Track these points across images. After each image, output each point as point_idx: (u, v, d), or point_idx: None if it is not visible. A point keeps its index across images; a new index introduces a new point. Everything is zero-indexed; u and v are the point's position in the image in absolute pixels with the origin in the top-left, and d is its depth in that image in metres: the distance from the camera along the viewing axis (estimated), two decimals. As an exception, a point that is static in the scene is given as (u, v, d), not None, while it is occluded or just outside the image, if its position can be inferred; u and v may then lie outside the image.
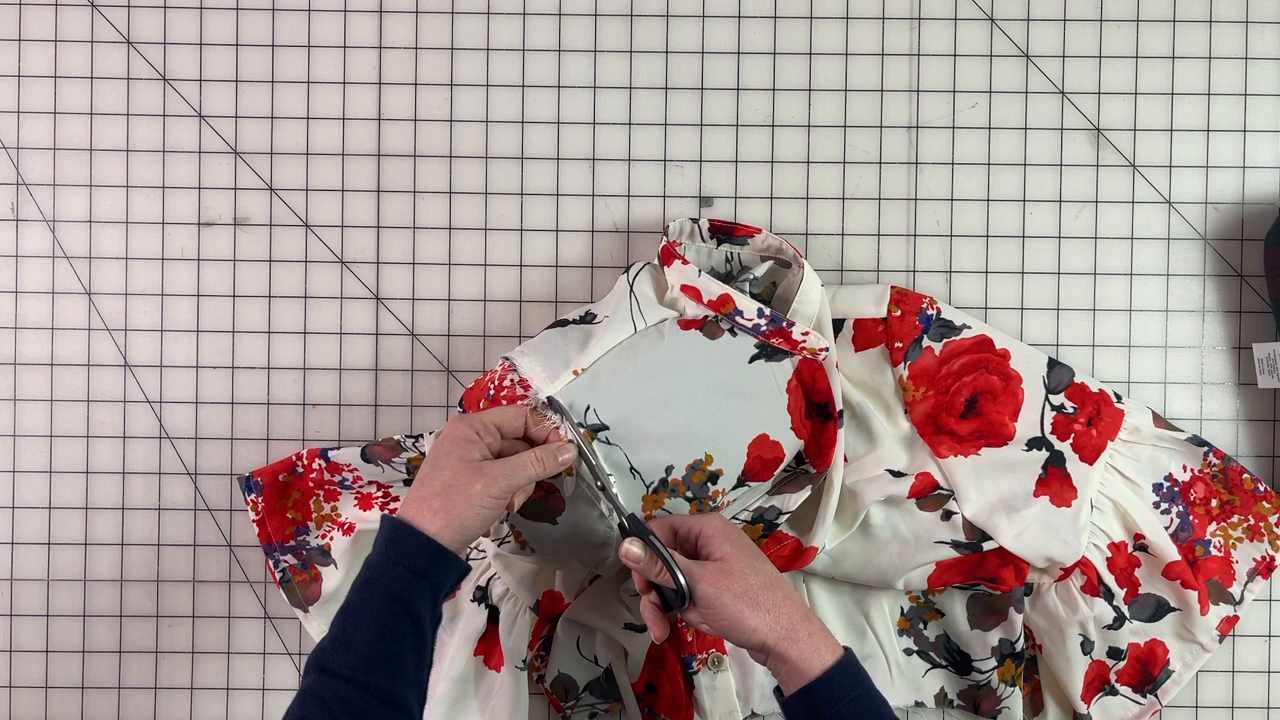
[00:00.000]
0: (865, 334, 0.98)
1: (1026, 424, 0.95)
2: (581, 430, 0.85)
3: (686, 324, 0.90)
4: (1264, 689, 1.01)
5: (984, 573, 0.94)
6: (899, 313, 0.97)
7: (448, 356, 1.01)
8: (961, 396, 0.96)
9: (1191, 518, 0.98)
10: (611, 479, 0.86)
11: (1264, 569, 0.97)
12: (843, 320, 0.98)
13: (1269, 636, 1.01)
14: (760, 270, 0.94)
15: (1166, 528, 0.97)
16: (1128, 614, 0.96)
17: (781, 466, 0.91)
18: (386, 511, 0.98)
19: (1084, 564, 0.95)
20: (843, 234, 1.01)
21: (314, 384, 1.01)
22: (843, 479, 0.93)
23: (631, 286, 0.92)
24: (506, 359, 0.90)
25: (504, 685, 0.95)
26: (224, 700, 1.02)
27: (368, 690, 0.73)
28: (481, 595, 0.96)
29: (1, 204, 1.01)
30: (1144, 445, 0.97)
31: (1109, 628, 0.95)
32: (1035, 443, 0.95)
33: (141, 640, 1.02)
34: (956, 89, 1.01)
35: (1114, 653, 0.96)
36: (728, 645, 0.95)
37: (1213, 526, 0.98)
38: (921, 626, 0.99)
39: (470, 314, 1.01)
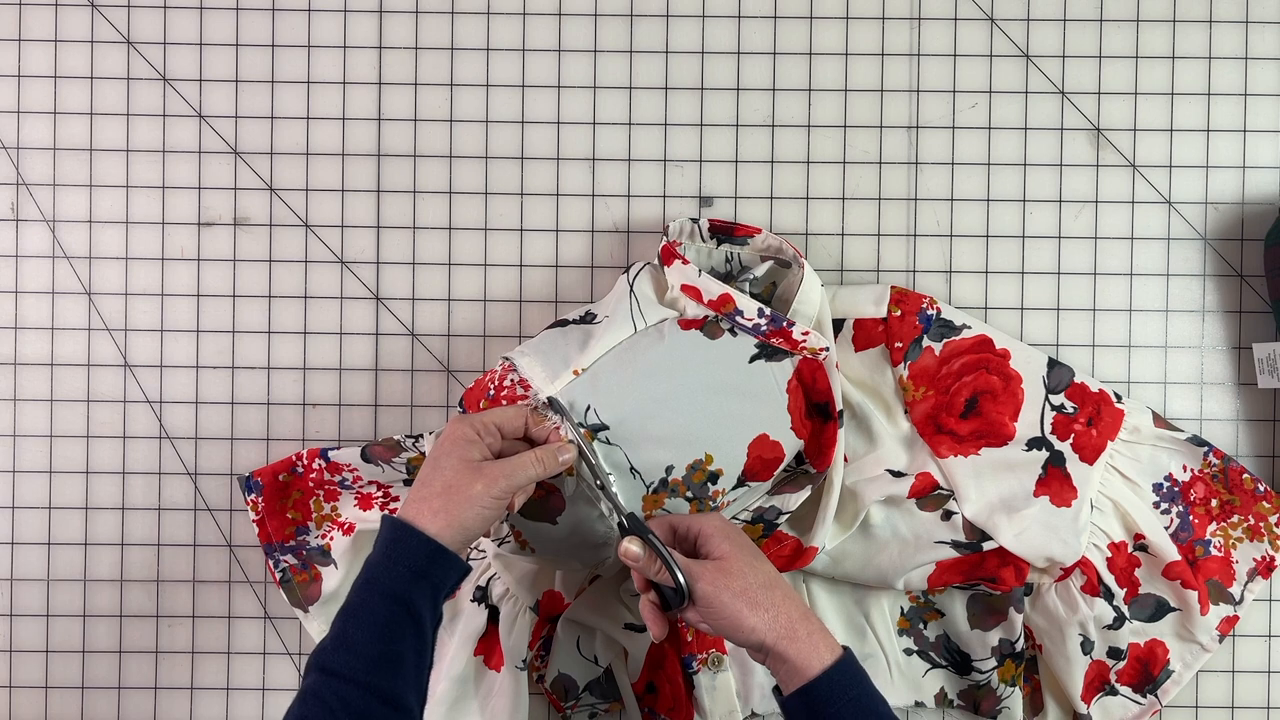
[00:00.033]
0: (865, 334, 0.98)
1: (1026, 424, 0.95)
2: (582, 430, 0.85)
3: (686, 324, 0.90)
4: (1264, 689, 1.01)
5: (984, 573, 0.94)
6: (899, 313, 0.97)
7: (448, 356, 1.01)
8: (961, 396, 0.96)
9: (1191, 518, 0.98)
10: (611, 478, 0.86)
11: (1264, 569, 0.97)
12: (843, 320, 0.98)
13: (1269, 636, 1.01)
14: (760, 270, 0.94)
15: (1166, 528, 0.97)
16: (1128, 614, 0.96)
17: (781, 466, 0.91)
18: (387, 512, 0.98)
19: (1084, 564, 0.95)
20: (843, 234, 1.01)
21: (314, 384, 1.01)
22: (843, 479, 0.93)
23: (631, 286, 0.92)
24: (506, 359, 0.90)
25: (504, 685, 0.95)
26: (224, 700, 1.02)
27: (368, 690, 0.73)
28: (481, 595, 0.96)
29: (1, 204, 1.01)
30: (1144, 445, 0.98)
31: (1109, 628, 0.95)
32: (1035, 443, 0.95)
33: (141, 640, 1.02)
34: (956, 89, 1.01)
35: (1114, 653, 0.96)
36: (728, 645, 0.95)
37: (1213, 526, 0.98)
38: (921, 626, 0.99)
39: (470, 314, 1.01)
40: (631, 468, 0.87)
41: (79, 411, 1.01)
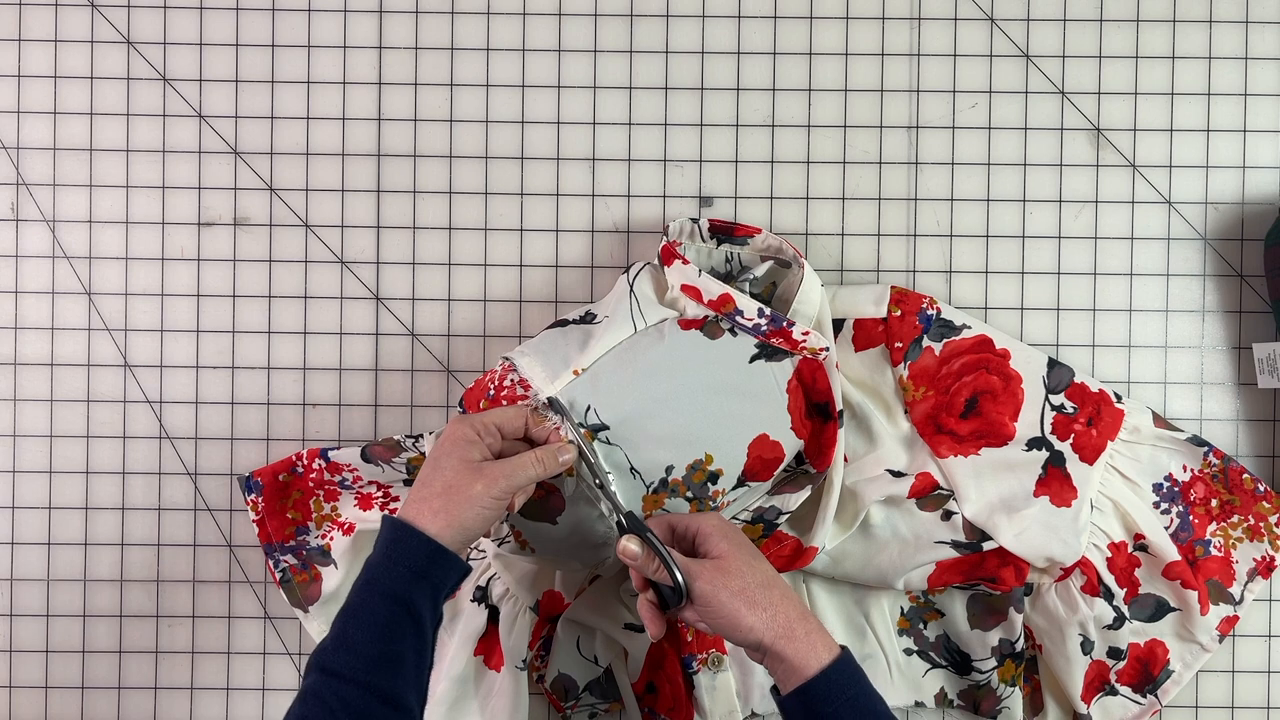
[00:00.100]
0: (865, 334, 0.98)
1: (1026, 424, 0.95)
2: (582, 430, 0.85)
3: (687, 324, 0.90)
4: (1264, 689, 1.01)
5: (984, 573, 0.94)
6: (899, 313, 0.97)
7: (448, 356, 1.01)
8: (961, 396, 0.96)
9: (1191, 518, 0.98)
10: (611, 478, 0.86)
11: (1264, 569, 0.97)
12: (843, 320, 0.98)
13: (1269, 636, 1.01)
14: (760, 270, 0.94)
15: (1166, 528, 0.97)
16: (1128, 614, 0.96)
17: (781, 466, 0.91)
18: (387, 512, 0.98)
19: (1084, 564, 0.95)
20: (843, 234, 1.01)
21: (314, 384, 1.01)
22: (843, 479, 0.93)
23: (631, 286, 0.92)
24: (506, 359, 0.90)
25: (504, 685, 0.95)
26: (224, 700, 1.02)
27: (368, 690, 0.73)
28: (481, 595, 0.96)
29: (1, 204, 1.01)
30: (1144, 445, 0.97)
31: (1109, 628, 0.95)
32: (1035, 443, 0.95)
33: (141, 640, 1.02)
34: (956, 89, 1.01)
35: (1114, 653, 0.96)
36: (727, 645, 0.95)
37: (1213, 526, 0.98)
38: (921, 626, 0.99)
39: (470, 314, 1.01)
40: (631, 468, 0.87)
41: (79, 411, 1.01)
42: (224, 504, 1.02)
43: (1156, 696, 0.97)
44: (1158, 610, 0.97)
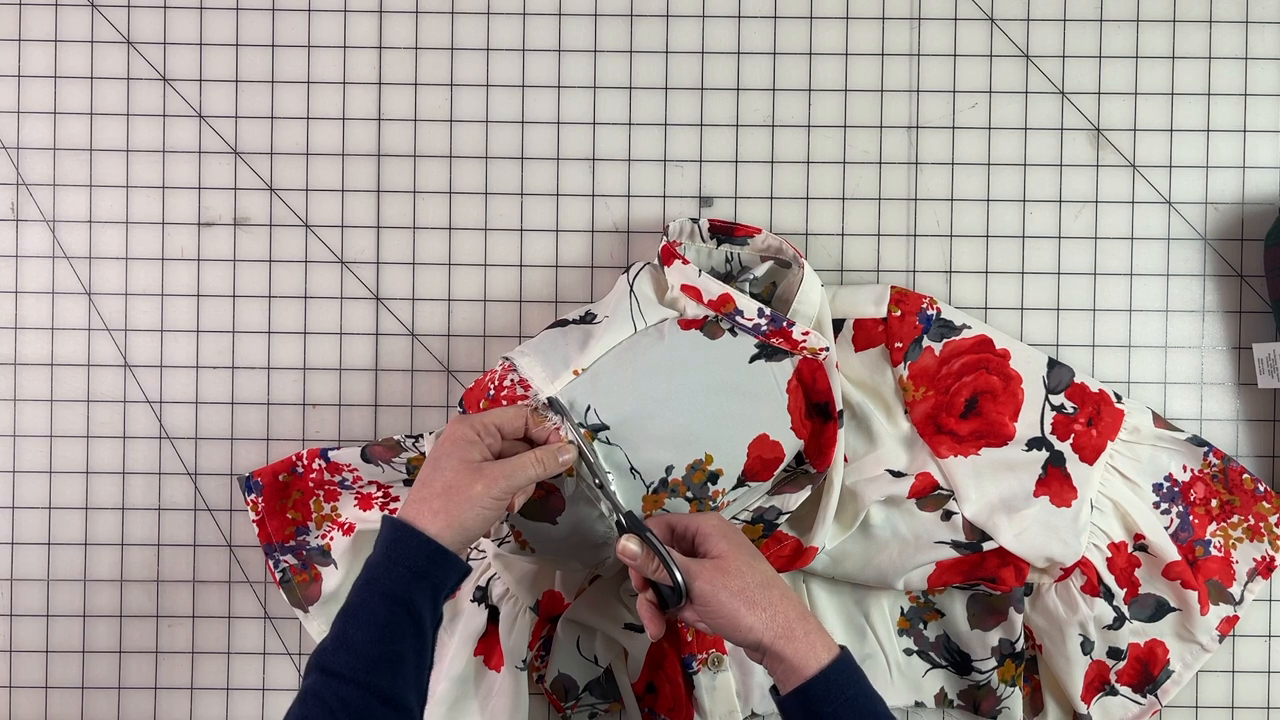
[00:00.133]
0: (865, 334, 0.98)
1: (1026, 424, 0.95)
2: (581, 430, 0.85)
3: (687, 324, 0.90)
4: (1264, 689, 1.01)
5: (984, 573, 0.94)
6: (899, 313, 0.97)
7: (448, 356, 1.01)
8: (961, 396, 0.96)
9: (1191, 518, 0.98)
10: (611, 478, 0.86)
11: (1264, 569, 0.97)
12: (843, 320, 0.98)
13: (1269, 636, 1.01)
14: (760, 270, 0.94)
15: (1166, 528, 0.97)
16: (1128, 614, 0.96)
17: (781, 466, 0.91)
18: (387, 512, 0.98)
19: (1084, 564, 0.95)
20: (843, 234, 1.01)
21: (314, 384, 1.01)
22: (843, 479, 0.93)
23: (631, 286, 0.92)
24: (506, 359, 0.90)
25: (504, 685, 0.95)
26: (224, 700, 1.02)
27: (368, 691, 0.73)
28: (481, 595, 0.96)
29: (1, 204, 1.01)
30: (1144, 445, 0.97)
31: (1109, 628, 0.95)
32: (1035, 443, 0.95)
33: (141, 640, 1.02)
34: (956, 89, 1.01)
35: (1114, 653, 0.96)
36: (727, 645, 0.95)
37: (1213, 526, 0.98)
38: (921, 626, 0.99)
39: (470, 314, 1.01)
40: (631, 468, 0.87)
41: (79, 411, 1.01)
42: (224, 504, 1.02)
43: (1156, 696, 0.97)
44: (1158, 610, 0.97)
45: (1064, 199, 1.01)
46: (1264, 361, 0.96)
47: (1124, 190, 1.01)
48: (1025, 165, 1.01)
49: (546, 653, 0.98)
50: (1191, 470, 0.98)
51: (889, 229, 1.01)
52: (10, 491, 1.01)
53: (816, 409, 0.92)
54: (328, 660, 0.75)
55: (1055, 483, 0.94)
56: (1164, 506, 0.97)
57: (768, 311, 0.90)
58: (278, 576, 0.98)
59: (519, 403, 0.87)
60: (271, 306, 1.01)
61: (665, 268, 0.93)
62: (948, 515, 0.94)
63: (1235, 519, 0.98)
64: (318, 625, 0.98)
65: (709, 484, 0.88)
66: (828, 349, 0.90)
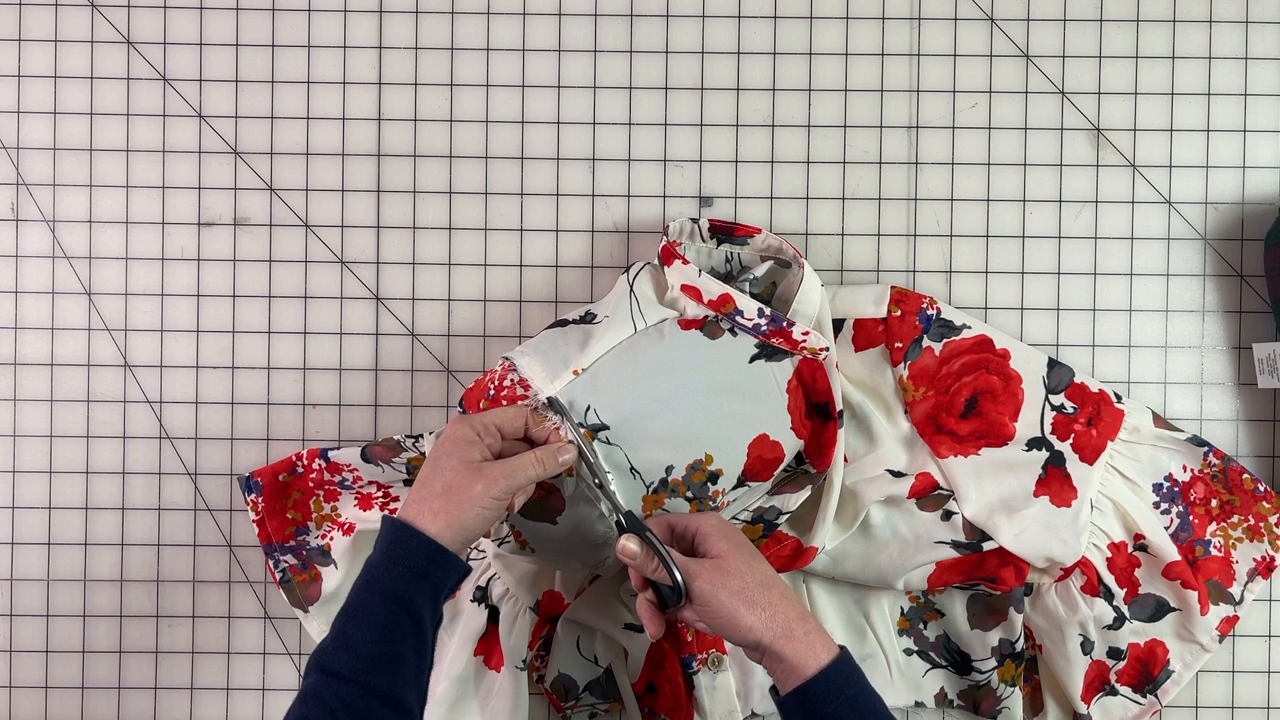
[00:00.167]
0: (865, 334, 0.98)
1: (1026, 424, 0.95)
2: (581, 430, 0.85)
3: (687, 324, 0.90)
4: (1264, 689, 1.01)
5: (984, 573, 0.94)
6: (899, 313, 0.97)
7: (448, 356, 1.01)
8: (961, 396, 0.96)
9: (1191, 518, 0.98)
10: (610, 478, 0.86)
11: (1264, 569, 0.97)
12: (843, 320, 0.98)
13: (1269, 636, 1.01)
14: (760, 270, 0.94)
15: (1166, 528, 0.97)
16: (1128, 614, 0.96)
17: (781, 466, 0.91)
18: (387, 512, 0.98)
19: (1084, 564, 0.95)
20: (843, 234, 1.01)
21: (314, 384, 1.01)
22: (843, 479, 0.93)
23: (631, 286, 0.92)
24: (506, 359, 0.90)
25: (504, 685, 0.95)
26: (224, 700, 1.02)
27: (368, 691, 0.73)
28: (481, 595, 0.96)
29: (1, 204, 1.01)
30: (1144, 445, 0.97)
31: (1109, 628, 0.95)
32: (1035, 443, 0.95)
33: (141, 640, 1.02)
34: (956, 89, 1.01)
35: (1114, 653, 0.96)
36: (728, 645, 0.95)
37: (1213, 526, 0.98)
38: (921, 626, 0.99)
39: (470, 314, 1.01)
40: (631, 468, 0.87)
41: (79, 411, 1.01)
42: (224, 504, 1.02)
43: (1156, 696, 0.97)
44: (1158, 610, 0.97)
45: (1064, 199, 1.01)
46: (1264, 361, 0.96)
47: (1124, 190, 1.01)
48: (1025, 165, 1.01)
49: (546, 653, 0.98)
50: (1191, 470, 0.98)
51: (889, 229, 1.01)
52: (10, 491, 1.01)
53: (816, 409, 0.92)
54: (328, 660, 0.75)
55: (1055, 483, 0.94)
56: (1164, 506, 0.97)
57: (768, 311, 0.90)
58: (278, 576, 0.98)
59: (519, 403, 0.87)
60: (271, 306, 1.01)
61: (665, 268, 0.93)
62: (948, 515, 0.94)
63: (1235, 519, 0.98)
64: (318, 625, 0.98)
65: (709, 484, 0.88)
66: (828, 349, 0.90)
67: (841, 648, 0.79)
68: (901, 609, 0.99)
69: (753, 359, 0.89)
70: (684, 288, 0.92)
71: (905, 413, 0.97)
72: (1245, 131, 1.00)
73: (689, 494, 0.88)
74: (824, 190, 1.01)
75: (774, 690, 0.81)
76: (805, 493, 0.92)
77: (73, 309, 1.01)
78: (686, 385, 0.88)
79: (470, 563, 0.96)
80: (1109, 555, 0.96)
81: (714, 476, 0.88)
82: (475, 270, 1.01)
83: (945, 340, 0.97)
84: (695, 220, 0.96)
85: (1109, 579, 0.95)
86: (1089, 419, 0.96)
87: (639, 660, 0.96)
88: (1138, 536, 0.96)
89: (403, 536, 0.77)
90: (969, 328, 0.97)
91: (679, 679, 0.96)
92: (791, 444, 0.90)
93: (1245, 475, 0.97)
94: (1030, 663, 0.99)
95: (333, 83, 1.01)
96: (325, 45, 1.01)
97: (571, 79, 1.01)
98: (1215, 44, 1.00)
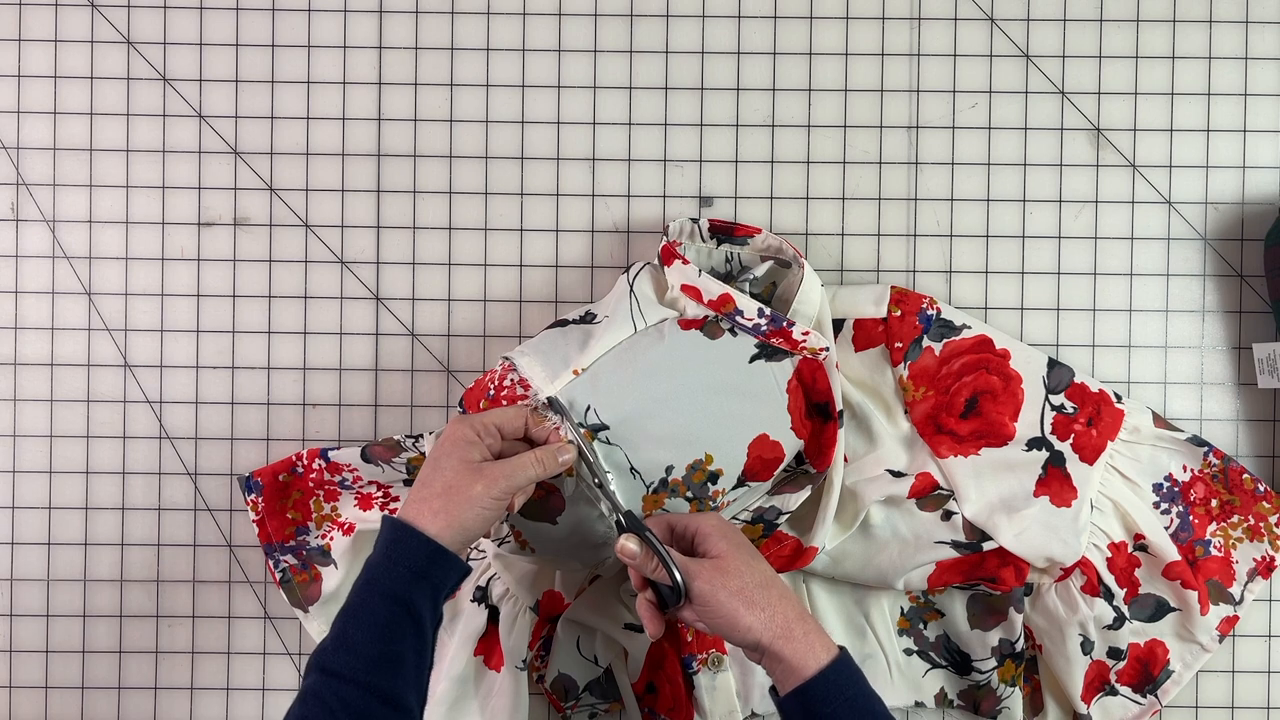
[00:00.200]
0: (865, 334, 0.98)
1: (1026, 424, 0.95)
2: (581, 430, 0.85)
3: (687, 324, 0.90)
4: (1264, 689, 1.01)
5: (984, 573, 0.94)
6: (899, 313, 0.97)
7: (448, 356, 1.01)
8: (961, 396, 0.96)
9: (1191, 518, 0.98)
10: (610, 477, 0.86)
11: (1264, 569, 0.97)
12: (843, 320, 0.98)
13: (1269, 636, 1.01)
14: (760, 270, 0.94)
15: (1166, 528, 0.97)
16: (1128, 614, 0.96)
17: (781, 466, 0.91)
18: (387, 512, 0.98)
19: (1084, 564, 0.95)
20: (843, 234, 1.01)
21: (314, 384, 1.01)
22: (843, 479, 0.93)
23: (631, 286, 0.92)
24: (506, 359, 0.90)
25: (504, 685, 0.95)
26: (224, 700, 1.02)
27: (368, 691, 0.73)
28: (481, 595, 0.96)
29: (1, 204, 1.01)
30: (1144, 445, 0.97)
31: (1109, 628, 0.95)
32: (1035, 443, 0.95)
33: (141, 640, 1.02)
34: (956, 89, 1.01)
35: (1114, 653, 0.96)
36: (728, 645, 0.95)
37: (1213, 526, 0.98)
38: (921, 626, 0.99)
39: (470, 314, 1.01)
40: (631, 468, 0.87)
41: (79, 411, 1.01)
42: (224, 504, 1.02)
43: (1156, 696, 0.97)
44: (1158, 610, 0.97)
45: (1064, 199, 1.01)
46: (1264, 361, 0.96)
47: (1124, 190, 1.01)
48: (1025, 165, 1.01)
49: (546, 653, 0.98)
50: (1191, 470, 0.98)
51: (889, 229, 1.01)
52: (10, 491, 1.01)
53: (816, 409, 0.92)
54: (328, 660, 0.75)
55: (1055, 483, 0.94)
56: (1164, 506, 0.97)
57: (768, 311, 0.90)
58: (278, 576, 0.98)
59: (519, 403, 0.87)
60: (271, 306, 1.01)
61: (665, 268, 0.93)
62: (948, 515, 0.94)
63: (1235, 519, 0.98)
64: (318, 625, 0.98)
65: (709, 484, 0.88)
66: (828, 349, 0.90)
67: (841, 648, 0.79)
68: (901, 609, 0.99)
69: (753, 359, 0.89)
70: (684, 288, 0.92)
71: (905, 413, 0.97)
72: (1245, 131, 1.00)
73: (689, 494, 0.88)
74: (824, 190, 1.01)
75: (773, 691, 0.81)
76: (805, 493, 0.92)
77: (73, 309, 1.01)
78: (686, 385, 0.88)
79: (470, 563, 0.96)
80: (1109, 555, 0.96)
81: (714, 476, 0.88)
82: (475, 270, 1.01)
83: (945, 340, 0.97)
84: (695, 220, 0.96)
85: (1109, 579, 0.95)
86: (1089, 419, 0.96)
87: (639, 660, 0.96)
88: (1138, 536, 0.96)
89: (403, 536, 0.77)
90: (969, 328, 0.97)
91: (679, 679, 0.96)
92: (791, 444, 0.90)
93: (1245, 475, 0.97)
94: (1030, 663, 0.99)
95: (333, 83, 1.01)
96: (325, 45, 1.01)
97: (571, 79, 1.01)
98: (1215, 44, 1.00)
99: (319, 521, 0.99)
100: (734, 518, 0.91)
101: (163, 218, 1.01)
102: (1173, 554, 0.95)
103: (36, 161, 1.01)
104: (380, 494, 0.98)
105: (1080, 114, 1.01)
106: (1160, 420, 0.98)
